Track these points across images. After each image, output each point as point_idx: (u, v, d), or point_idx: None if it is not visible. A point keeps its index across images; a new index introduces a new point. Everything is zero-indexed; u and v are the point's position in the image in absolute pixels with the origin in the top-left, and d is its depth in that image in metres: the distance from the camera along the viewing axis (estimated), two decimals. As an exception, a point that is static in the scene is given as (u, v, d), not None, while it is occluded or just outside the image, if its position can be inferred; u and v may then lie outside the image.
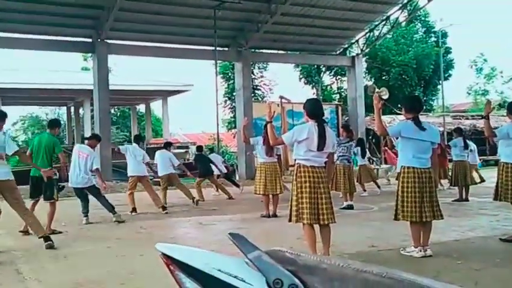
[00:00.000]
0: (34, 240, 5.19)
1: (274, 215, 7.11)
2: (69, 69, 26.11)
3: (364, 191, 10.32)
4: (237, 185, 11.71)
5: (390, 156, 13.65)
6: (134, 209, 7.91)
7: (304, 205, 3.99)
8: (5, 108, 24.09)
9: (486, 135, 5.27)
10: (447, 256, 4.39)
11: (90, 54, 16.48)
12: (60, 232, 6.08)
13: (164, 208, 8.03)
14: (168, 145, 10.07)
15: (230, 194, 10.27)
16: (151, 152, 11.15)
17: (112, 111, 25.76)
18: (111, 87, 14.67)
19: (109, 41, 14.31)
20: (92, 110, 17.94)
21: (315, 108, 4.22)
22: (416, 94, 22.14)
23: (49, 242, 5.00)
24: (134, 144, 8.70)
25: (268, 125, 4.32)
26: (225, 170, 11.89)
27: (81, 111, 25.57)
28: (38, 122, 33.22)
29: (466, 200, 8.77)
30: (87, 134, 23.52)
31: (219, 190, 10.74)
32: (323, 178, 4.09)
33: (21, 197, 5.09)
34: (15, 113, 32.24)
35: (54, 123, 6.68)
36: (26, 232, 5.75)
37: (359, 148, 10.37)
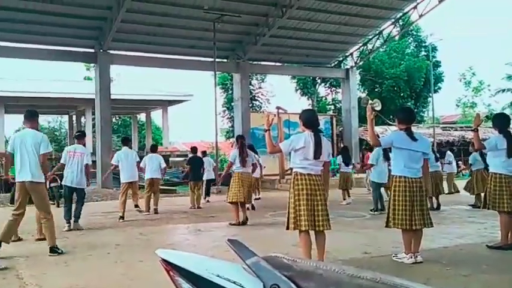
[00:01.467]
0: (35, 246, 5.14)
1: (244, 223, 7.07)
2: (71, 79, 26.15)
3: (348, 197, 10.18)
4: (208, 195, 11.46)
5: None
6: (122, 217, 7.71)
7: (302, 212, 3.99)
8: (7, 117, 24.07)
9: (476, 147, 5.29)
10: (437, 262, 4.40)
11: (92, 64, 16.47)
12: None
13: (121, 217, 7.69)
14: (155, 148, 9.75)
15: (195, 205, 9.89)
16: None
17: (113, 119, 25.72)
18: (112, 97, 14.68)
19: (111, 52, 14.36)
20: (94, 119, 17.92)
21: (311, 119, 4.24)
22: (409, 106, 22.29)
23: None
24: (124, 147, 8.47)
25: (266, 133, 4.34)
26: (212, 176, 11.65)
27: (82, 119, 25.53)
28: (40, 130, 33.14)
29: (438, 208, 8.69)
30: (88, 141, 23.52)
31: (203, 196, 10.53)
32: (319, 186, 4.09)
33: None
34: (17, 121, 32.14)
35: (80, 136, 6.80)
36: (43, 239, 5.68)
37: (340, 156, 10.31)
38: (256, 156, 8.17)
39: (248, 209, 7.96)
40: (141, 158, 9.12)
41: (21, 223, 5.10)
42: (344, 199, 10.02)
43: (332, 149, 8.48)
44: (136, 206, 8.57)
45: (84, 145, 7.21)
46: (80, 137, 7.37)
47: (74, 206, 6.79)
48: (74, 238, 6.14)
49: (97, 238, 6.21)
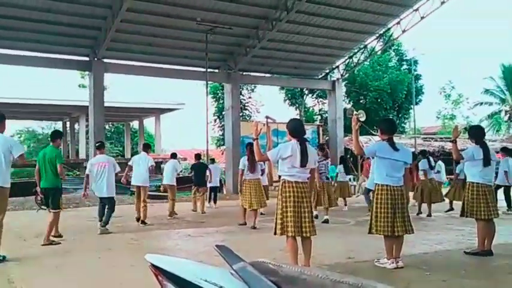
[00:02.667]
0: (27, 250, 5.03)
1: (254, 227, 7.21)
2: (66, 86, 25.87)
3: (345, 205, 10.33)
4: (215, 201, 11.44)
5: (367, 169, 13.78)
6: (138, 219, 7.71)
7: (289, 218, 4.00)
8: (2, 122, 23.59)
9: (454, 158, 5.36)
10: (417, 268, 4.44)
11: (87, 72, 16.33)
12: (58, 243, 5.91)
13: (138, 220, 7.75)
14: (147, 147, 8.99)
15: (197, 209, 9.73)
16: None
17: (106, 127, 25.47)
18: (106, 104, 14.54)
19: (105, 60, 14.26)
20: (87, 126, 17.73)
21: (297, 128, 4.26)
22: (391, 117, 22.59)
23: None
24: (142, 152, 8.34)
25: (254, 142, 4.34)
26: (217, 184, 11.64)
27: (76, 126, 25.24)
28: (34, 136, 32.58)
29: (429, 215, 8.88)
30: (82, 148, 23.23)
31: (205, 202, 10.37)
32: (306, 193, 4.11)
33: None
34: (12, 126, 31.60)
35: (54, 135, 6.46)
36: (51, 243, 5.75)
37: (342, 166, 10.49)
38: (262, 164, 8.17)
39: (262, 213, 8.06)
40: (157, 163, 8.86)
41: (14, 227, 4.99)
42: (345, 205, 10.23)
43: (322, 150, 8.53)
44: (142, 221, 7.82)
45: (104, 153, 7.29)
46: (100, 147, 7.31)
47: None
48: (66, 243, 6.04)
49: (89, 242, 6.12)
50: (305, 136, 4.31)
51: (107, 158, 7.16)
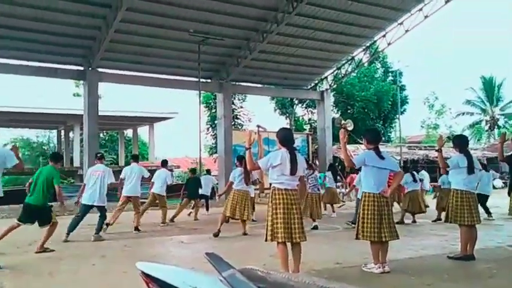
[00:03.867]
0: (21, 258, 4.93)
1: (244, 234, 7.20)
2: (60, 95, 25.66)
3: (333, 211, 10.37)
4: (207, 209, 11.42)
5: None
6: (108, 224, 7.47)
7: (279, 225, 4.00)
8: (-3, 130, 23.13)
9: (441, 166, 5.40)
10: (402, 272, 4.47)
11: (81, 81, 16.23)
12: (52, 250, 5.79)
13: (107, 225, 7.53)
14: (136, 158, 9.01)
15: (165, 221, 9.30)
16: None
17: (101, 135, 25.24)
18: (100, 113, 14.44)
19: (100, 70, 14.20)
20: (82, 134, 17.55)
21: (286, 137, 4.26)
22: (376, 126, 22.82)
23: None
24: (133, 163, 8.31)
25: (247, 151, 4.33)
26: (208, 193, 11.58)
27: (71, 134, 24.95)
28: (28, 144, 32.11)
29: (414, 221, 8.95)
30: (76, 157, 22.92)
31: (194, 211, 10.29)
32: (296, 200, 4.12)
33: None
34: (6, 134, 31.11)
35: (57, 157, 6.30)
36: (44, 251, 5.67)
37: (330, 173, 10.55)
38: (256, 174, 8.16)
39: (254, 220, 8.01)
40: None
41: (9, 235, 4.89)
42: (325, 209, 10.22)
43: (307, 164, 8.58)
44: (136, 228, 7.79)
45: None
46: (100, 158, 7.37)
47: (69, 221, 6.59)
48: (60, 250, 5.93)
49: (82, 250, 6.01)
50: (294, 145, 4.32)
51: (103, 168, 7.10)
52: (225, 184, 14.88)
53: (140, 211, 8.14)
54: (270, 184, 4.24)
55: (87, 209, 6.89)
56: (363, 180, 4.56)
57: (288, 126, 21.73)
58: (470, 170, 5.02)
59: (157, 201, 8.90)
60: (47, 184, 5.66)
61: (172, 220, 9.25)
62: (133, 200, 7.88)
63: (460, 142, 5.32)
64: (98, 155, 7.60)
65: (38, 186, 5.64)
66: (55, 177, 5.78)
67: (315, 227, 7.95)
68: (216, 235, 7.02)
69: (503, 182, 20.06)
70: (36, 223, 5.66)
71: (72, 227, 6.70)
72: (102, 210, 6.95)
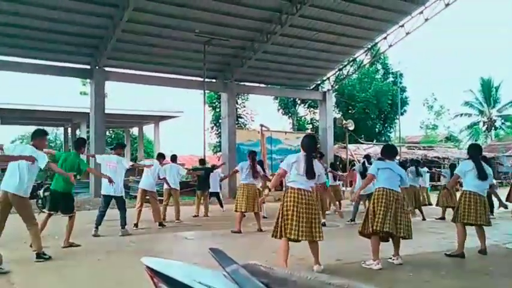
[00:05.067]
0: (28, 253, 4.95)
1: (260, 230, 7.12)
2: (67, 93, 25.72)
3: (340, 208, 10.31)
4: (221, 205, 11.47)
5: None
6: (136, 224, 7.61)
7: (289, 221, 4.06)
8: (4, 127, 23.30)
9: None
10: (401, 269, 4.48)
11: (88, 80, 16.27)
12: (78, 245, 5.80)
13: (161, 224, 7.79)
14: (161, 156, 8.78)
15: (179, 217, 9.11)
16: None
17: (107, 133, 25.29)
18: (106, 111, 14.45)
19: (106, 69, 14.21)
20: (88, 132, 17.55)
21: (308, 144, 4.37)
22: (377, 127, 22.75)
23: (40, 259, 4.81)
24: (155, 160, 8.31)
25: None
26: (217, 189, 11.59)
27: (77, 132, 24.98)
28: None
29: (423, 219, 9.02)
30: (83, 153, 22.91)
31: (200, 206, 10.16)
32: (311, 200, 4.16)
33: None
34: (14, 131, 31.26)
35: (79, 143, 6.30)
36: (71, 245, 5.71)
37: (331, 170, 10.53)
38: (264, 171, 8.16)
39: (264, 217, 8.00)
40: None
41: (15, 229, 4.92)
42: (328, 209, 10.20)
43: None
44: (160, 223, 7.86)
45: (120, 154, 7.09)
46: (115, 148, 7.24)
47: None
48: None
49: (88, 245, 6.02)
50: (315, 151, 4.52)
51: (117, 159, 6.97)
52: (229, 181, 15.04)
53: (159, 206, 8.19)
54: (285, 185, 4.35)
55: (107, 200, 6.86)
56: (379, 179, 4.68)
57: (289, 129, 21.75)
58: (482, 176, 5.06)
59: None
60: (72, 171, 5.71)
61: (198, 215, 9.24)
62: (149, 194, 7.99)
63: (472, 151, 5.39)
64: (114, 145, 7.49)
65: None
66: (81, 164, 5.87)
67: (323, 224, 7.96)
68: (238, 232, 7.04)
69: (499, 182, 20.09)
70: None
71: (98, 221, 6.77)
72: (120, 202, 6.91)
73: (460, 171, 5.25)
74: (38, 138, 4.92)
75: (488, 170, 5.22)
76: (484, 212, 5.12)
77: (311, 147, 4.35)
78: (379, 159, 5.13)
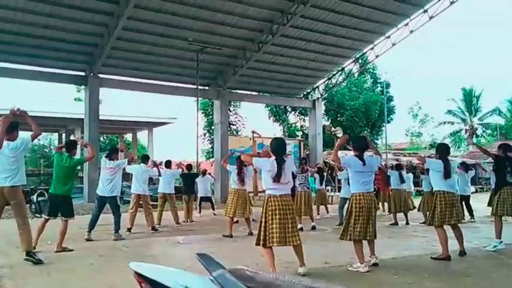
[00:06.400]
0: (20, 258, 4.86)
1: (251, 234, 7.07)
2: (62, 99, 25.44)
3: (318, 214, 10.35)
4: (213, 209, 11.47)
5: None
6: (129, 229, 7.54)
7: (274, 230, 4.04)
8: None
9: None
10: (386, 271, 4.51)
11: (83, 86, 16.12)
12: (71, 250, 5.72)
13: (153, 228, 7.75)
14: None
15: (179, 221, 9.01)
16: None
17: (101, 138, 25.05)
18: (101, 117, 14.34)
19: (101, 76, 14.12)
20: (82, 137, 17.39)
21: (277, 146, 4.32)
22: (364, 134, 22.94)
23: (31, 259, 4.71)
24: (142, 164, 8.20)
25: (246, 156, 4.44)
26: (209, 194, 11.55)
27: (72, 137, 24.72)
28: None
29: (407, 223, 9.08)
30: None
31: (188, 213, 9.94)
32: (290, 205, 4.17)
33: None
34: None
35: (70, 146, 6.11)
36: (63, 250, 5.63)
37: (318, 175, 10.56)
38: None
39: (254, 220, 7.97)
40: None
41: (7, 234, 4.83)
42: (318, 214, 10.23)
43: (303, 166, 8.61)
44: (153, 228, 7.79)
45: (114, 159, 7.01)
46: (111, 154, 7.15)
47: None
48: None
49: (82, 249, 5.94)
50: (286, 152, 4.39)
51: (115, 163, 6.93)
52: (221, 187, 15.02)
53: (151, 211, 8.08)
54: (265, 190, 4.29)
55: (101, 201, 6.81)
56: (352, 183, 4.66)
57: (280, 135, 21.81)
58: (447, 174, 5.11)
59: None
60: (71, 172, 5.70)
61: (178, 223, 8.91)
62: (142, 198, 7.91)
63: (441, 149, 5.45)
64: (108, 152, 7.34)
65: (59, 176, 5.64)
66: (78, 160, 5.90)
67: (313, 227, 8.00)
68: (230, 236, 7.01)
69: (479, 188, 20.43)
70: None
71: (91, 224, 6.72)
72: (115, 205, 6.83)
73: (436, 169, 5.17)
74: (11, 132, 4.78)
75: (453, 169, 5.28)
76: (462, 209, 5.23)
77: (280, 149, 4.29)
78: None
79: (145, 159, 8.53)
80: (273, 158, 4.19)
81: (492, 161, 6.40)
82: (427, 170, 6.00)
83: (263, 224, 4.09)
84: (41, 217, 6.03)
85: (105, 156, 7.07)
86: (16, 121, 4.96)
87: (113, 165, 6.84)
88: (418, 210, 9.48)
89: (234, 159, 7.86)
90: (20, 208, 4.67)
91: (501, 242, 5.80)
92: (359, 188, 4.51)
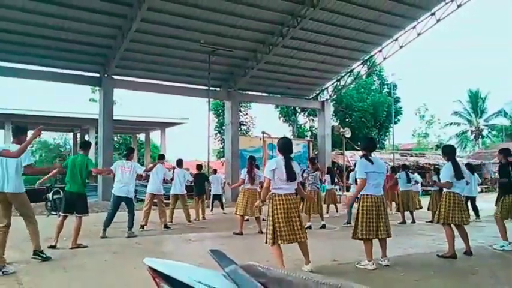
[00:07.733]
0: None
1: (261, 232, 7.05)
2: (77, 100, 25.84)
3: (327, 212, 10.31)
4: (222, 208, 11.51)
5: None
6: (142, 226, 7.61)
7: (282, 228, 4.05)
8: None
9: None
10: (393, 269, 4.48)
11: (97, 88, 16.34)
12: (85, 246, 5.79)
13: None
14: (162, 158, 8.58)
15: (190, 219, 9.01)
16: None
17: (114, 138, 25.34)
18: (114, 118, 14.51)
19: (115, 77, 14.29)
20: (97, 137, 17.62)
21: (284, 146, 4.30)
22: (372, 135, 22.80)
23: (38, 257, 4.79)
24: (159, 164, 8.14)
25: (263, 190, 4.37)
26: (220, 192, 11.64)
27: (86, 137, 25.06)
28: (46, 146, 32.22)
29: (413, 222, 9.07)
30: (91, 158, 22.82)
31: (200, 210, 9.95)
32: (294, 204, 4.17)
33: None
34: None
35: (85, 145, 6.42)
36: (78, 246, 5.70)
37: (329, 175, 10.53)
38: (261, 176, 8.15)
39: (264, 219, 7.97)
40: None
41: (24, 231, 4.89)
42: (327, 212, 10.22)
43: (312, 163, 8.56)
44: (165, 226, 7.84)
45: (131, 160, 7.24)
46: (129, 154, 7.35)
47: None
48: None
49: (96, 246, 6.00)
50: (292, 153, 4.35)
51: (131, 164, 7.06)
52: (238, 186, 14.93)
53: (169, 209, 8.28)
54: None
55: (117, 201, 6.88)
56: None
57: (289, 136, 21.76)
58: (459, 175, 5.08)
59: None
60: (82, 171, 5.76)
61: (190, 221, 8.94)
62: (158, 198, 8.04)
63: (448, 151, 5.38)
64: (128, 149, 7.62)
65: (75, 175, 5.74)
66: (89, 163, 5.90)
67: (323, 226, 7.97)
68: (240, 234, 7.04)
69: (485, 188, 20.14)
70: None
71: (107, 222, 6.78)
72: (130, 204, 6.92)
73: (450, 177, 5.13)
74: (19, 135, 4.74)
75: (465, 172, 5.22)
76: (467, 211, 5.18)
77: (288, 148, 4.28)
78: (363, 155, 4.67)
79: (161, 158, 8.57)
80: (280, 157, 4.18)
81: (497, 162, 6.36)
82: (438, 175, 5.92)
83: (271, 222, 4.10)
84: (56, 214, 6.11)
85: (123, 156, 7.24)
86: (26, 126, 5.03)
87: (130, 166, 6.96)
88: (428, 209, 9.40)
89: (245, 159, 7.87)
90: (23, 207, 4.65)
91: (509, 243, 5.76)
92: (368, 189, 4.46)
